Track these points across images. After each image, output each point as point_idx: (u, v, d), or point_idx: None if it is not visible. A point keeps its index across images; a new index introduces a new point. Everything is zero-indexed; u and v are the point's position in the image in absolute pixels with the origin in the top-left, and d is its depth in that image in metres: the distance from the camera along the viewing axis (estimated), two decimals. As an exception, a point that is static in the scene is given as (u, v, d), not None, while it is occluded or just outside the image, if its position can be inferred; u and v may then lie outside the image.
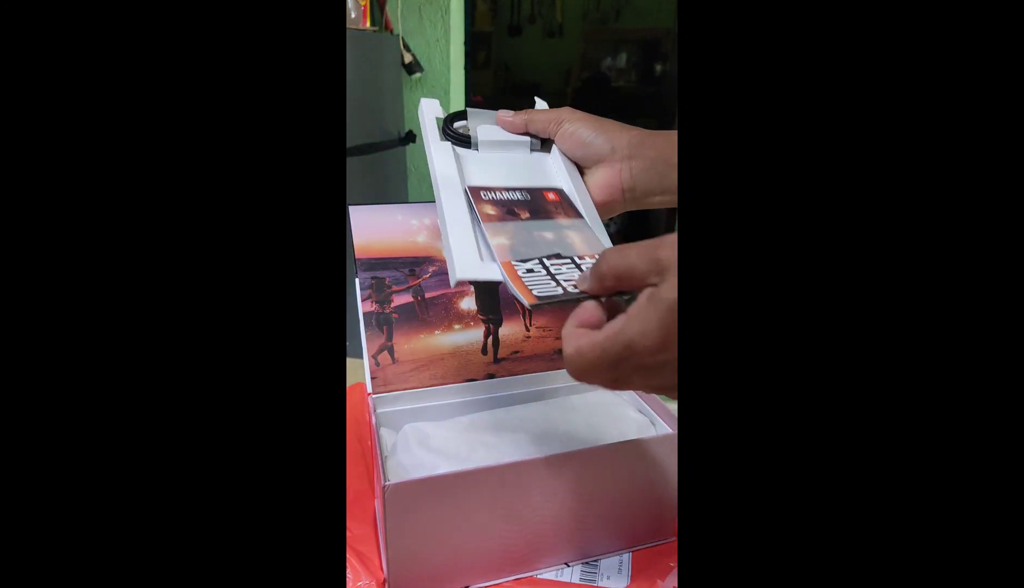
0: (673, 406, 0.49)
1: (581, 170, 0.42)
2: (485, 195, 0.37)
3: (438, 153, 0.39)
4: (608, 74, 3.48)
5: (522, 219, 0.36)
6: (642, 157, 0.40)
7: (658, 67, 3.62)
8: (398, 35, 1.94)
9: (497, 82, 4.26)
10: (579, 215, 0.38)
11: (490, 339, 0.54)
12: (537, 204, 0.38)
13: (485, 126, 0.42)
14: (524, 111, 0.44)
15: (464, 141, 0.41)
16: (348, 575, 0.42)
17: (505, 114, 0.44)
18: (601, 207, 0.41)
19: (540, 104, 0.46)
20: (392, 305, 0.53)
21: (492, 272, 0.30)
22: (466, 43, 2.07)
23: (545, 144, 0.44)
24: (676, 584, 0.23)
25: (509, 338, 0.54)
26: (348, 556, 0.44)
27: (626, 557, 0.46)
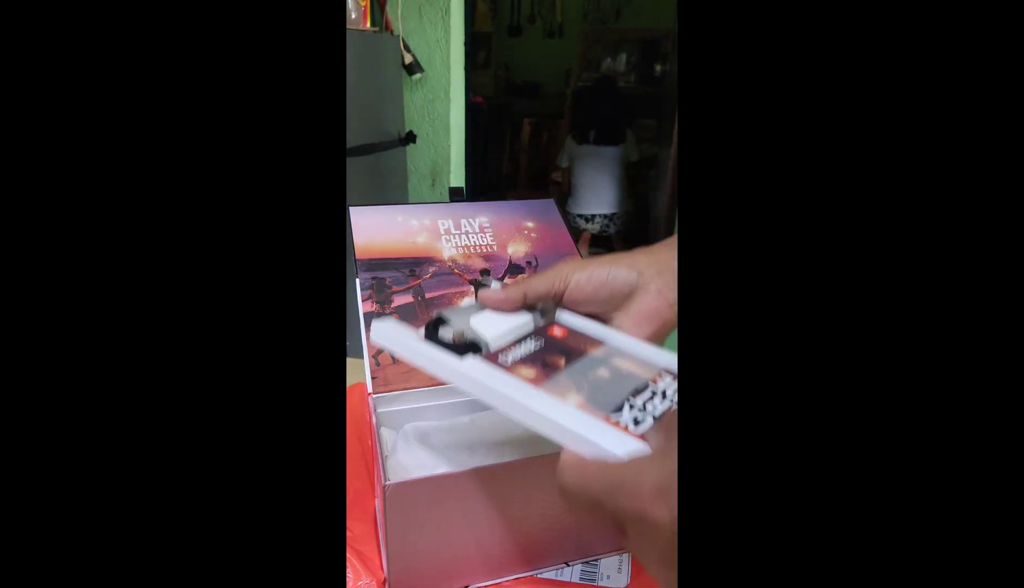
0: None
1: (604, 319, 0.37)
2: (504, 358, 0.31)
3: (450, 362, 0.31)
4: (613, 76, 3.48)
5: (564, 368, 0.31)
6: (671, 266, 0.35)
7: (658, 67, 3.63)
8: (398, 35, 1.94)
9: (497, 82, 4.27)
10: (599, 342, 0.34)
11: (490, 339, 0.54)
12: (559, 346, 0.33)
13: (482, 319, 0.34)
14: (514, 283, 0.37)
15: (468, 350, 0.32)
16: (348, 575, 0.42)
17: (492, 293, 0.36)
18: (652, 339, 0.35)
19: (494, 285, 0.38)
20: (393, 305, 0.53)
21: (641, 447, 0.25)
22: (466, 43, 2.07)
23: (546, 315, 0.37)
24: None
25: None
26: (348, 556, 0.44)
27: (626, 556, 0.46)
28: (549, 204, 0.66)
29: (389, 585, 0.41)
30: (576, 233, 2.90)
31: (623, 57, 3.76)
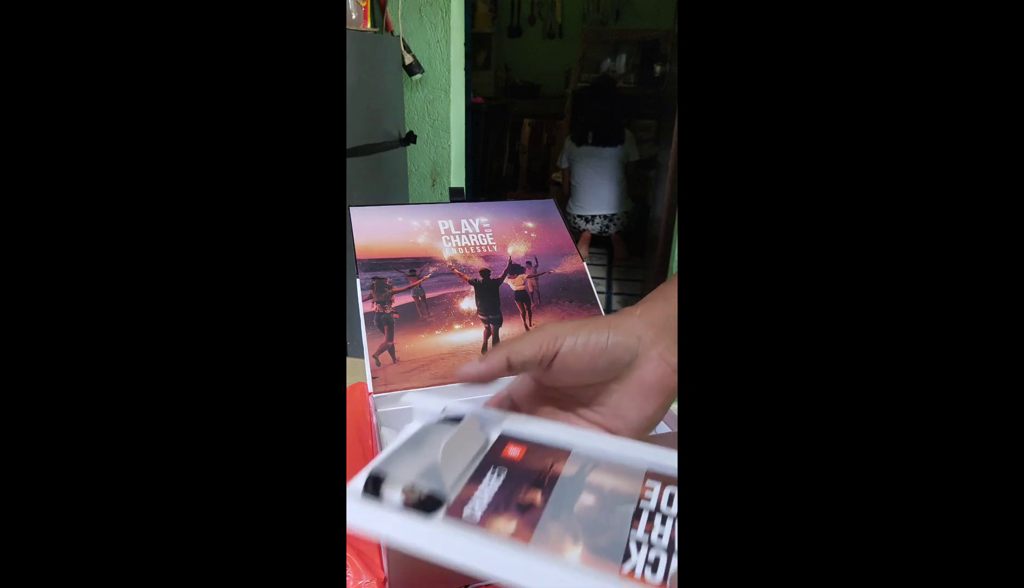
0: (673, 406, 0.49)
1: (598, 390, 0.33)
2: (471, 510, 0.26)
3: (413, 527, 0.25)
4: (612, 77, 3.48)
5: (543, 504, 0.27)
6: (669, 326, 0.32)
7: (658, 68, 3.63)
8: (399, 36, 1.94)
9: (497, 82, 4.28)
10: (564, 451, 0.30)
11: (490, 339, 0.55)
12: (525, 474, 0.29)
13: (449, 459, 0.28)
14: (493, 350, 0.32)
15: (427, 507, 0.26)
16: (348, 574, 0.42)
17: (472, 369, 0.32)
18: (657, 414, 0.32)
19: (414, 398, 0.33)
20: (393, 305, 0.53)
21: None
22: (466, 44, 2.07)
23: (490, 426, 0.33)
24: (676, 584, 0.23)
25: (509, 338, 0.55)
26: (348, 555, 0.44)
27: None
28: (549, 204, 0.66)
29: (389, 585, 0.41)
30: (576, 234, 2.90)
31: (623, 58, 3.76)
